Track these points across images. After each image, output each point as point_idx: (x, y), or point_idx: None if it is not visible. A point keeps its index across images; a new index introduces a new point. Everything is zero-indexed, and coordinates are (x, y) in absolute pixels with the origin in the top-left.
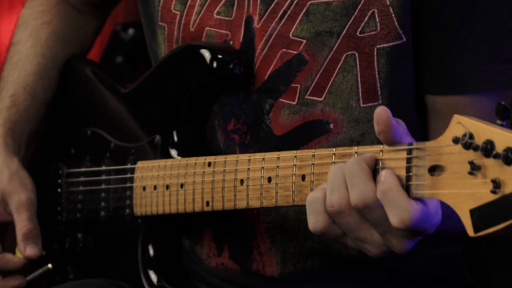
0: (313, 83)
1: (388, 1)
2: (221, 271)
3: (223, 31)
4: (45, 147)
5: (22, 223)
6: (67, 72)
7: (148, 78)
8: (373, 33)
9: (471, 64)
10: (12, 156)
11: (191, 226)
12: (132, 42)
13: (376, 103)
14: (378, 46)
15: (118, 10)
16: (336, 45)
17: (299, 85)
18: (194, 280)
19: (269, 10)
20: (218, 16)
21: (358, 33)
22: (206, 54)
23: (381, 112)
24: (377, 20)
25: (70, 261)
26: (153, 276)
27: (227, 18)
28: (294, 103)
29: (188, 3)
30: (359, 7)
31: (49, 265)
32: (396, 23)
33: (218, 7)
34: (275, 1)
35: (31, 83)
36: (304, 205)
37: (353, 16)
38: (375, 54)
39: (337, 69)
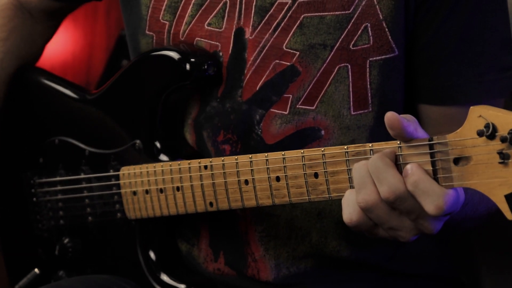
0: (305, 93)
1: (381, 16)
2: (218, 276)
3: (213, 42)
4: (10, 158)
5: None
6: (22, 83)
7: (117, 83)
8: (366, 46)
9: (470, 76)
10: None
11: (187, 230)
12: None
13: (366, 111)
14: (370, 59)
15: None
16: (329, 57)
17: (291, 95)
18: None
19: (263, 22)
20: (209, 28)
21: (351, 46)
22: (179, 57)
23: (391, 117)
24: (370, 33)
25: (61, 266)
26: (165, 278)
27: (217, 30)
28: (286, 112)
29: (178, 13)
30: (352, 21)
31: (36, 270)
32: (389, 37)
33: (209, 19)
34: (269, 13)
35: None
36: (306, 208)
37: (347, 29)
38: (368, 66)
39: (329, 80)
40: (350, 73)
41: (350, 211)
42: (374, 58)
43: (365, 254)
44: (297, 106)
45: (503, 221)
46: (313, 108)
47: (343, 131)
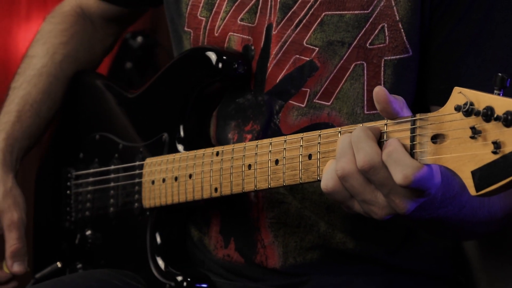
0: (322, 89)
1: (398, 17)
2: (227, 262)
3: (245, 36)
4: (55, 154)
5: (11, 241)
6: (77, 85)
7: (155, 82)
8: (382, 45)
9: (479, 80)
10: (8, 172)
11: (199, 218)
12: (140, 49)
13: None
14: (385, 58)
15: None
16: (346, 54)
17: (308, 90)
18: (201, 269)
19: (286, 18)
20: (242, 23)
21: (367, 45)
22: (213, 56)
23: (379, 92)
24: (387, 33)
25: (80, 257)
26: (161, 262)
27: (250, 25)
28: (303, 105)
29: (214, 9)
30: (370, 20)
31: (58, 263)
32: (404, 37)
33: (242, 14)
34: (292, 10)
35: (39, 101)
36: (315, 201)
37: (364, 28)
38: (382, 65)
39: (345, 77)
40: (365, 71)
41: (327, 178)
42: (389, 58)
43: (370, 247)
44: (314, 101)
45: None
46: (329, 104)
47: None
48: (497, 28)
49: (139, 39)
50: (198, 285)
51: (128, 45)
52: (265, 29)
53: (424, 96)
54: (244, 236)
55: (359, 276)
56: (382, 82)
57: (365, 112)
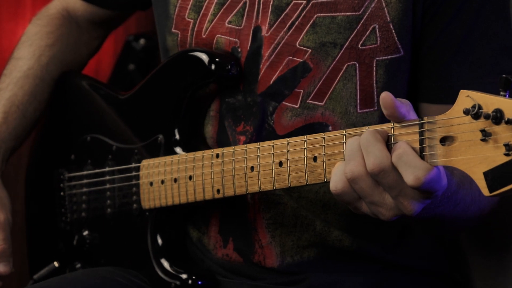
0: (315, 89)
1: (389, 18)
2: (226, 262)
3: (232, 39)
4: (46, 155)
5: None
6: (64, 86)
7: (147, 83)
8: (373, 46)
9: (470, 77)
10: None
11: (199, 218)
12: (143, 51)
13: (372, 109)
14: (377, 58)
15: (130, 21)
16: (339, 55)
17: (302, 90)
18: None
19: (279, 20)
20: (229, 25)
21: (359, 46)
22: (205, 58)
23: (386, 97)
24: (378, 34)
25: (78, 257)
26: (166, 264)
27: (237, 27)
28: (296, 106)
29: (202, 12)
30: (361, 22)
31: (55, 263)
32: (395, 38)
33: (230, 17)
34: (285, 12)
35: (25, 102)
36: (311, 199)
37: (356, 30)
38: (374, 65)
39: (338, 77)
40: (357, 71)
41: (336, 180)
42: (381, 58)
43: (366, 244)
44: (307, 101)
45: (494, 221)
46: (322, 104)
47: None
48: (487, 28)
49: (142, 41)
50: (202, 282)
51: (131, 47)
52: (251, 31)
53: (416, 95)
54: (242, 237)
55: (355, 273)
56: (375, 82)
57: (358, 111)
